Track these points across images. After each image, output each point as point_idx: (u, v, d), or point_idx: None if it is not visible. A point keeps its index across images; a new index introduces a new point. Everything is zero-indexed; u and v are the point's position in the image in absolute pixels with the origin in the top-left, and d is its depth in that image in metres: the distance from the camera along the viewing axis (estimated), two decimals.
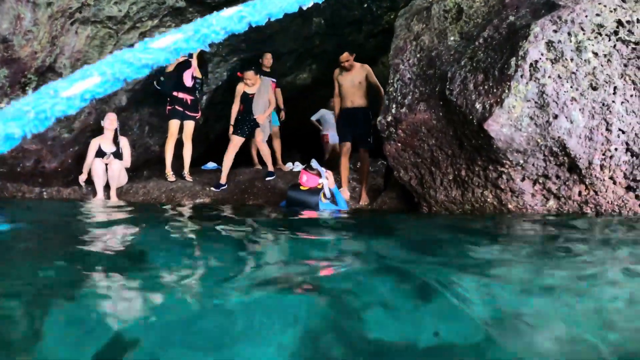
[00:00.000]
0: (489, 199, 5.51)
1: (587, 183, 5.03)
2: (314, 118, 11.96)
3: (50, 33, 7.42)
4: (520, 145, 5.02)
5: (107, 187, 8.24)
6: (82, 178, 8.24)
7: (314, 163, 7.37)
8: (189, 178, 8.82)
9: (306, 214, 6.06)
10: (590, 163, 4.94)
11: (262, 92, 8.86)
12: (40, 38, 7.33)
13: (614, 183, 4.99)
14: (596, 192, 5.03)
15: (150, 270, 2.74)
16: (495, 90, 5.05)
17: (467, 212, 5.77)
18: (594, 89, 4.90)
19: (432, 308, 2.02)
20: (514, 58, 4.95)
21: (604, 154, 4.92)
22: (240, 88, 8.89)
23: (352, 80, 7.95)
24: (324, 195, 6.94)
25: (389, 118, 6.21)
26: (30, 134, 0.70)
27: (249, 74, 8.75)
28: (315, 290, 2.25)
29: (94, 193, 8.19)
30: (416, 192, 6.38)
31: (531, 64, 4.88)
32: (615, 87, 4.92)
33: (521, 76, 4.89)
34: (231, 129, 8.87)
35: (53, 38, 7.50)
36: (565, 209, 5.19)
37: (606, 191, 5.01)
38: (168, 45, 0.77)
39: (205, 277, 2.58)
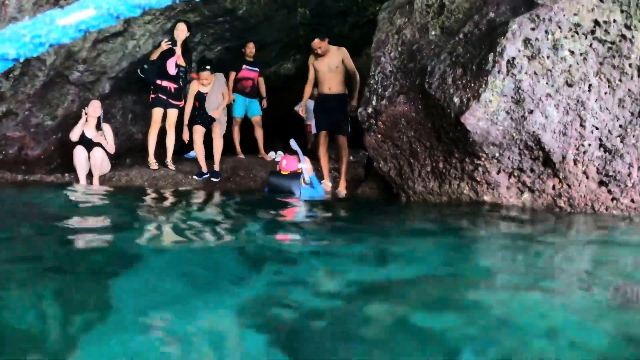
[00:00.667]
0: (465, 191, 5.65)
1: (560, 177, 5.17)
2: (297, 108, 12.01)
3: None
4: (496, 138, 5.15)
5: (89, 174, 8.25)
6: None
7: (292, 142, 7.48)
8: (171, 166, 8.86)
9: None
10: (563, 157, 5.08)
11: (215, 90, 8.92)
12: None
13: (587, 177, 5.14)
14: (569, 186, 5.18)
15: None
16: (472, 84, 5.17)
17: (444, 203, 5.90)
18: (569, 85, 5.03)
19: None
20: (492, 54, 5.07)
21: (577, 149, 5.07)
22: (195, 87, 8.94)
23: (329, 65, 7.92)
24: (304, 180, 7.07)
25: (370, 110, 6.31)
26: (24, 58, 0.75)
27: (205, 74, 8.84)
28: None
29: (77, 180, 8.19)
30: (395, 183, 6.50)
31: (508, 60, 5.01)
32: (590, 85, 5.06)
33: (498, 72, 5.01)
34: (185, 131, 8.98)
35: None
36: (540, 202, 5.34)
37: (579, 185, 5.15)
38: None
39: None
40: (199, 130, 8.73)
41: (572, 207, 5.23)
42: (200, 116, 8.83)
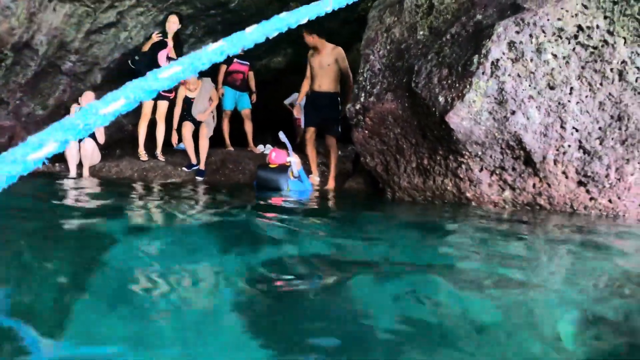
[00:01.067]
0: (448, 187, 5.80)
1: (540, 176, 5.33)
2: (287, 102, 12.13)
3: (29, 10, 7.46)
4: (478, 137, 5.31)
5: (80, 165, 8.36)
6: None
7: (281, 135, 7.61)
8: (161, 158, 8.97)
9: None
10: (544, 157, 5.24)
11: (202, 94, 9.02)
12: (18, 14, 7.39)
13: (566, 177, 5.30)
14: (549, 185, 5.34)
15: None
16: (457, 85, 5.32)
17: (428, 199, 6.06)
18: (551, 88, 5.19)
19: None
20: (477, 56, 5.22)
21: (557, 150, 5.23)
22: (182, 92, 9.03)
23: (321, 62, 7.94)
24: (292, 173, 7.20)
25: (358, 106, 6.45)
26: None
27: (192, 79, 8.94)
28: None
29: (67, 170, 8.31)
30: (381, 178, 6.65)
31: (492, 62, 5.16)
32: (571, 88, 5.22)
33: (482, 73, 5.16)
34: (174, 135, 9.12)
35: (31, 15, 7.56)
36: (520, 200, 5.50)
37: (558, 185, 5.32)
38: (170, 76, 1.00)
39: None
40: (188, 126, 8.79)
41: (551, 206, 5.40)
42: (189, 116, 8.90)
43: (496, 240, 4.00)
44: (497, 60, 5.15)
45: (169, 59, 8.90)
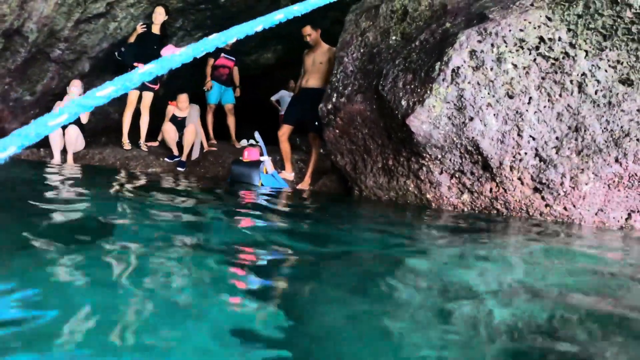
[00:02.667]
0: (410, 188, 5.94)
1: (497, 181, 5.47)
2: (273, 98, 12.28)
3: None
4: (437, 141, 5.44)
5: (64, 151, 8.48)
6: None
7: (256, 135, 7.75)
8: (144, 147, 9.10)
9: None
10: (500, 163, 5.38)
11: (191, 118, 9.10)
12: (9, 2, 7.56)
13: (522, 184, 5.44)
14: (505, 190, 5.48)
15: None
16: (419, 90, 5.45)
17: (392, 199, 6.20)
18: (510, 97, 5.32)
19: None
20: (439, 62, 5.35)
21: (514, 157, 5.37)
22: (170, 110, 9.15)
23: (314, 59, 7.97)
24: (266, 169, 7.35)
25: (329, 106, 6.59)
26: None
27: (183, 97, 9.13)
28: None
29: (51, 156, 8.42)
30: (350, 177, 6.79)
31: (453, 70, 5.29)
32: (530, 98, 5.35)
33: (443, 80, 5.30)
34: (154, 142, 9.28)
35: (22, 2, 7.71)
36: (478, 204, 5.64)
37: (514, 190, 5.45)
38: (108, 94, 1.13)
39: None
40: (171, 125, 8.87)
41: (508, 210, 5.53)
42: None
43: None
44: (458, 67, 5.28)
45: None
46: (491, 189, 5.56)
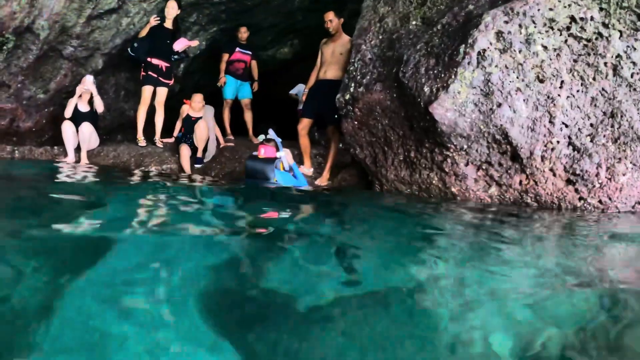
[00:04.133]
0: (434, 181, 5.48)
1: (527, 173, 4.99)
2: (292, 92, 11.82)
3: None
4: (463, 130, 4.98)
5: (78, 148, 8.17)
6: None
7: (271, 132, 7.31)
8: (159, 144, 8.74)
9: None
10: (531, 153, 4.90)
11: (206, 119, 8.64)
12: None
13: (554, 175, 4.95)
14: (536, 183, 5.00)
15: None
16: (443, 75, 4.99)
17: (415, 193, 5.74)
18: (541, 81, 4.84)
19: None
20: (463, 45, 4.88)
21: (545, 146, 4.88)
22: (185, 109, 8.69)
23: (334, 50, 7.46)
24: (282, 166, 6.91)
25: (347, 96, 6.15)
26: None
27: (198, 96, 8.65)
28: None
29: (65, 154, 8.11)
30: (370, 170, 6.35)
31: (479, 52, 4.82)
32: (562, 81, 4.86)
33: (468, 63, 4.83)
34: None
35: None
36: (507, 197, 5.16)
37: (546, 182, 4.97)
38: None
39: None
40: (185, 150, 8.23)
41: (538, 204, 5.05)
42: (185, 137, 8.50)
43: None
44: (484, 50, 4.81)
45: (178, 53, 8.71)
46: (521, 181, 5.08)
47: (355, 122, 6.15)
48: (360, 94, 5.94)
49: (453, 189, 5.34)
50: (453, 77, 4.87)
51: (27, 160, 7.67)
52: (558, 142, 4.87)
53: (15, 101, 8.19)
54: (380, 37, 6.15)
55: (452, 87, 4.85)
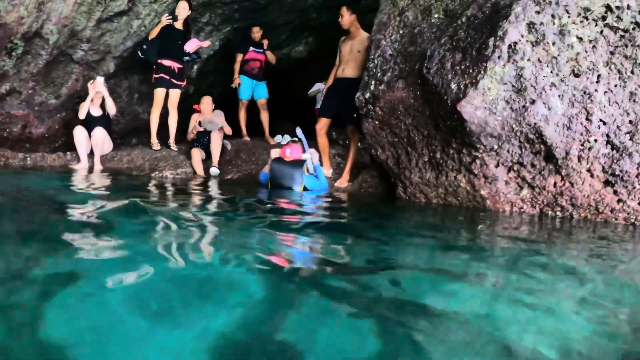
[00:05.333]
0: (462, 184, 5.08)
1: (563, 174, 4.58)
2: (311, 91, 11.42)
3: None
4: (494, 129, 4.57)
5: (91, 154, 7.86)
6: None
7: (298, 131, 6.95)
8: (174, 147, 8.40)
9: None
10: (567, 153, 4.49)
11: (215, 124, 8.31)
12: (26, 4, 7.01)
13: (592, 176, 4.54)
14: (572, 184, 4.58)
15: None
16: (471, 70, 4.58)
17: (441, 196, 5.34)
18: (576, 75, 4.42)
19: None
20: (493, 38, 4.47)
21: (582, 145, 4.47)
22: (196, 117, 8.41)
23: (352, 48, 7.06)
24: (307, 169, 6.54)
25: (367, 95, 5.76)
26: None
27: (208, 98, 8.41)
28: None
29: (78, 160, 7.80)
30: (392, 172, 5.96)
31: (510, 45, 4.41)
32: (599, 75, 4.44)
33: (498, 57, 4.42)
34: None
35: (40, 4, 7.14)
36: (540, 200, 4.75)
37: (582, 184, 4.56)
38: None
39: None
40: (197, 154, 7.95)
41: (574, 207, 4.64)
42: (199, 140, 8.19)
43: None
44: (515, 43, 4.40)
45: (190, 54, 8.37)
46: (555, 183, 4.67)
47: (377, 122, 5.76)
48: (381, 92, 5.55)
49: (482, 192, 4.94)
50: (482, 72, 4.46)
51: (40, 168, 7.33)
52: (596, 140, 4.46)
53: (26, 107, 7.93)
54: (401, 31, 5.75)
55: (481, 84, 4.45)
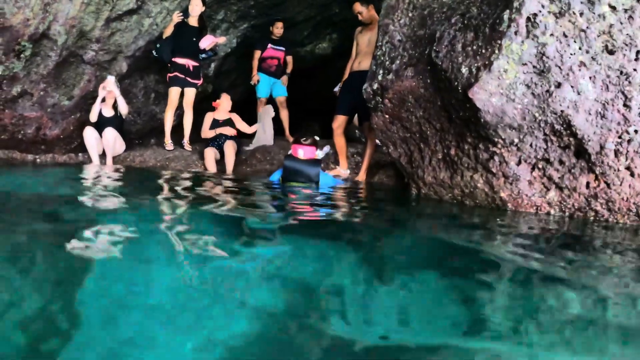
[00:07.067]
0: (479, 185, 4.15)
1: (597, 172, 3.61)
2: (337, 89, 10.56)
3: (42, 0, 6.54)
4: (513, 119, 3.65)
5: (104, 154, 7.31)
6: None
7: (326, 149, 6.33)
8: (188, 147, 7.74)
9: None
10: (602, 147, 3.53)
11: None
12: (32, 5, 6.53)
13: (632, 175, 3.56)
14: (608, 185, 3.61)
15: None
16: (484, 50, 3.66)
17: (457, 198, 4.43)
18: (610, 52, 3.45)
19: None
20: (508, 11, 3.54)
21: (620, 137, 3.50)
22: (210, 115, 7.78)
23: (370, 40, 6.24)
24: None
25: (375, 86, 4.88)
26: None
27: (225, 96, 7.83)
28: None
29: (90, 161, 7.26)
30: (406, 172, 5.08)
31: (528, 18, 3.47)
32: (638, 52, 3.45)
33: (515, 33, 3.48)
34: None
35: (45, 5, 6.65)
36: (570, 204, 3.79)
37: (621, 184, 3.58)
38: None
39: None
40: (211, 152, 7.28)
41: (611, 212, 3.66)
42: (214, 143, 7.53)
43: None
44: (535, 15, 3.46)
45: (205, 51, 7.67)
46: (588, 184, 3.70)
47: (386, 116, 4.88)
48: (390, 82, 4.67)
49: (502, 194, 4.00)
50: (497, 51, 3.54)
51: (52, 166, 6.78)
52: (636, 131, 3.48)
53: (39, 109, 7.37)
54: (410, 14, 4.83)
55: (495, 65, 3.53)
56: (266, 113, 8.14)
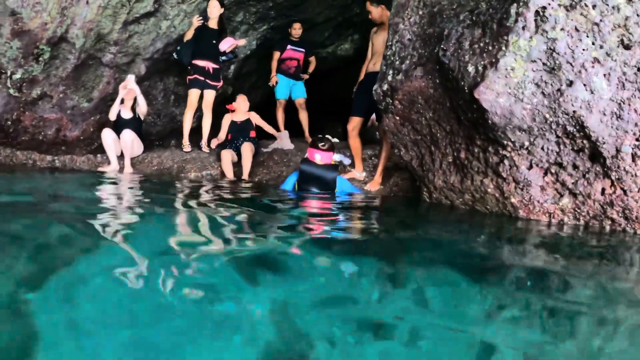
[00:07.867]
0: (489, 190, 3.85)
1: (613, 178, 3.28)
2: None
3: (60, 4, 6.47)
4: (523, 121, 3.35)
5: (121, 156, 7.19)
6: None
7: (340, 157, 6.08)
8: (205, 149, 7.55)
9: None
10: (618, 151, 3.20)
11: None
12: (49, 9, 6.43)
13: None
14: (625, 192, 3.28)
15: None
16: (491, 47, 3.37)
17: (468, 203, 4.13)
18: (626, 47, 3.12)
19: None
20: (515, 4, 3.24)
21: (637, 139, 3.17)
22: (228, 117, 7.55)
23: (384, 40, 5.86)
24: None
25: (385, 87, 4.61)
26: None
27: (241, 97, 7.62)
28: None
29: (108, 162, 7.14)
30: (417, 175, 4.79)
31: (537, 12, 3.16)
32: None
33: (523, 28, 3.18)
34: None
35: (63, 9, 6.55)
36: (584, 211, 3.46)
37: (638, 191, 3.24)
38: None
39: None
40: (228, 154, 6.98)
41: (627, 221, 3.32)
42: (231, 143, 7.33)
43: None
44: (544, 8, 3.15)
45: (225, 53, 7.49)
46: (603, 190, 3.37)
47: (397, 118, 4.60)
48: (399, 83, 4.39)
49: (513, 200, 3.70)
50: (504, 48, 3.25)
51: (70, 170, 6.67)
52: None
53: (59, 111, 7.30)
54: (420, 12, 4.54)
55: (502, 62, 3.24)
56: (283, 139, 7.96)
